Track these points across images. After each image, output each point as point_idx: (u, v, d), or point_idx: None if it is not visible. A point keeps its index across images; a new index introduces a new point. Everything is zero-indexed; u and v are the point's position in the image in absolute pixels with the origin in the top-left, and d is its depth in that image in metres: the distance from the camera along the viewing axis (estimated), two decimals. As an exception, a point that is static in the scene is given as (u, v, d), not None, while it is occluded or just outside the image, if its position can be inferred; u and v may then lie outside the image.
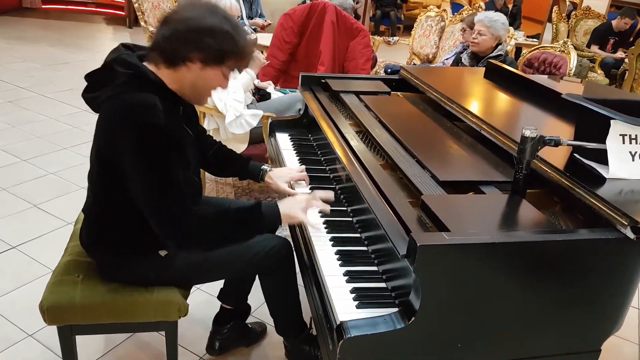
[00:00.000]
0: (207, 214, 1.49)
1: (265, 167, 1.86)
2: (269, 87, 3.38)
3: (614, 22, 6.52)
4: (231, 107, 2.78)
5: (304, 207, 1.55)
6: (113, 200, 1.49)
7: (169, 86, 1.45)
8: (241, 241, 1.56)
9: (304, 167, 1.94)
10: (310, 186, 1.86)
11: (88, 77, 1.46)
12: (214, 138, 1.94)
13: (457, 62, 3.62)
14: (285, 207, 1.54)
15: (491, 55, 3.26)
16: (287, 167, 1.96)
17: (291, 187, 1.84)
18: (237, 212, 1.55)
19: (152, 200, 1.39)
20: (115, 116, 1.37)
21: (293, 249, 1.69)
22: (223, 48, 1.40)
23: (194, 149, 1.63)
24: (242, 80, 2.89)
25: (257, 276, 1.81)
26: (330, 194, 1.61)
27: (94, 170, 1.50)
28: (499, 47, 3.30)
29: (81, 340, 1.71)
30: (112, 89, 1.38)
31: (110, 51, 1.49)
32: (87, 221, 1.61)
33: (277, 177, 1.84)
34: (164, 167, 1.38)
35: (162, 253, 1.59)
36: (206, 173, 3.34)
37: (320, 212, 1.62)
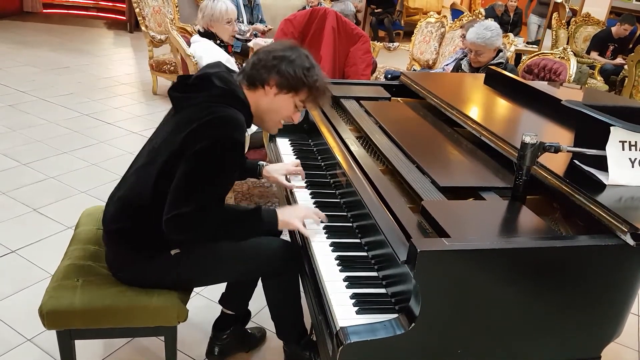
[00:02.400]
0: (212, 216, 1.53)
1: (261, 162, 1.96)
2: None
3: (613, 29, 6.54)
4: None
5: (301, 216, 1.61)
6: (155, 194, 1.52)
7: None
8: (238, 240, 1.62)
9: (299, 161, 2.00)
10: (311, 191, 1.87)
11: (181, 77, 1.61)
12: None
13: (457, 68, 3.62)
14: (283, 214, 1.61)
15: (492, 63, 3.26)
16: (283, 162, 2.05)
17: (287, 180, 1.93)
18: (238, 213, 1.64)
19: (181, 197, 1.46)
20: (205, 119, 1.47)
21: (297, 252, 1.68)
22: (298, 77, 1.55)
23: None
24: None
25: (260, 280, 1.81)
26: (323, 216, 1.65)
27: (154, 160, 1.54)
28: (500, 54, 3.30)
29: (80, 345, 1.71)
30: (207, 96, 1.52)
31: (209, 65, 1.66)
32: (120, 207, 1.61)
33: (273, 170, 1.93)
34: (217, 177, 1.50)
35: (173, 252, 1.60)
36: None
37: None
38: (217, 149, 1.46)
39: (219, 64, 1.65)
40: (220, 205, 1.58)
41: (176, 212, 1.45)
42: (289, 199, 1.92)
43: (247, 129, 1.59)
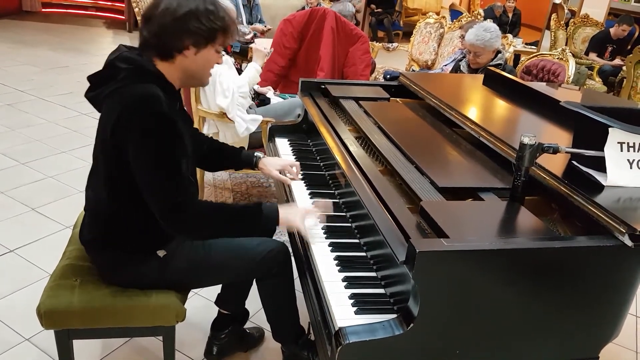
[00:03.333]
0: (209, 203, 1.53)
1: (258, 154, 1.93)
2: (269, 92, 3.39)
3: (612, 30, 6.55)
4: (238, 105, 2.77)
5: (302, 215, 1.57)
6: (116, 198, 1.51)
7: (168, 79, 1.49)
8: (238, 234, 1.60)
9: (298, 163, 1.98)
10: (309, 191, 1.87)
11: (91, 77, 1.50)
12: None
13: (456, 69, 3.62)
14: (285, 211, 1.57)
15: (491, 64, 3.27)
16: (280, 158, 2.04)
17: (283, 175, 1.91)
18: (238, 205, 1.61)
19: (158, 186, 1.43)
20: (121, 107, 1.41)
21: (291, 254, 1.69)
22: (210, 27, 1.44)
23: (191, 145, 1.64)
24: (249, 74, 2.88)
25: (255, 282, 1.81)
26: (329, 203, 1.62)
27: (99, 166, 1.52)
28: (499, 55, 3.30)
29: (78, 345, 1.71)
30: (114, 83, 1.43)
31: (112, 52, 1.54)
32: (90, 219, 1.61)
33: (270, 164, 1.91)
34: (170, 154, 1.42)
35: (161, 253, 1.59)
36: (205, 177, 3.36)
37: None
38: (147, 133, 1.39)
39: (119, 48, 1.54)
40: (196, 196, 1.55)
41: (166, 207, 1.42)
42: (286, 191, 1.94)
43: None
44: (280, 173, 1.91)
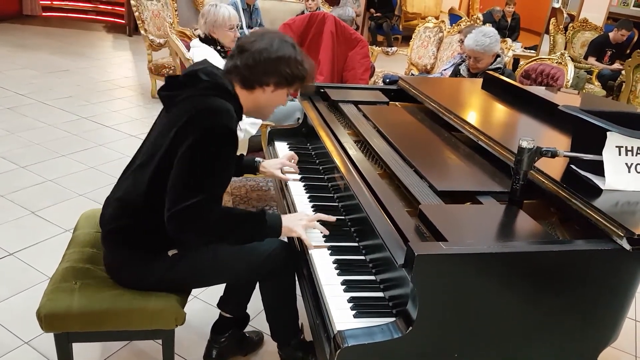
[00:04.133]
0: (218, 213, 1.53)
1: (258, 159, 2.00)
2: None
3: (611, 35, 6.57)
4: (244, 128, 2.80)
5: (304, 224, 1.60)
6: (154, 194, 1.52)
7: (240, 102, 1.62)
8: (239, 243, 1.62)
9: (292, 153, 2.05)
10: (308, 194, 1.87)
11: (169, 78, 1.62)
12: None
13: (456, 73, 3.63)
14: (287, 220, 1.61)
15: (490, 68, 3.28)
16: (278, 158, 2.11)
17: (283, 173, 1.99)
18: (243, 214, 1.64)
19: (185, 190, 1.46)
20: (194, 112, 1.49)
21: (294, 254, 1.69)
22: (294, 74, 1.61)
23: None
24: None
25: (257, 284, 1.82)
26: (332, 218, 1.65)
27: (150, 160, 1.55)
28: (498, 59, 3.32)
29: (78, 348, 1.71)
30: (194, 90, 1.54)
31: (195, 63, 1.68)
32: (117, 208, 1.62)
33: (270, 165, 1.98)
34: (217, 166, 1.49)
35: (171, 253, 1.61)
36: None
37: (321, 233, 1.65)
38: (210, 138, 1.47)
39: (204, 61, 1.66)
40: (219, 196, 1.57)
41: (177, 208, 1.44)
42: (283, 191, 1.95)
43: (241, 127, 1.60)
44: (282, 171, 1.98)
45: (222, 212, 1.55)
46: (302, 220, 1.60)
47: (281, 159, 2.04)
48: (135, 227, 1.59)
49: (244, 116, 1.66)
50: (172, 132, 1.50)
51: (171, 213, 1.45)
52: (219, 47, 3.12)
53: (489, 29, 3.39)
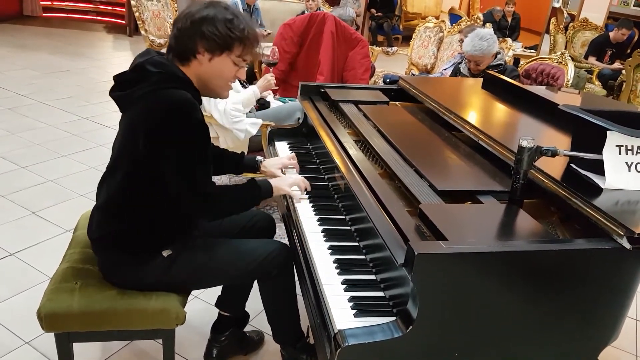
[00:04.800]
0: (221, 189, 1.70)
1: (259, 158, 2.00)
2: (269, 96, 3.39)
3: (611, 34, 6.57)
4: (231, 117, 2.79)
5: (290, 183, 1.78)
6: (129, 196, 1.55)
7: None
8: (244, 210, 1.77)
9: (294, 154, 2.07)
10: (308, 194, 1.87)
11: (117, 77, 1.54)
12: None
13: (456, 72, 3.63)
14: (275, 181, 1.77)
15: (491, 64, 3.28)
16: (279, 157, 2.11)
17: (283, 173, 2.00)
18: (238, 187, 1.73)
19: (194, 182, 1.52)
20: (160, 111, 1.45)
21: (292, 254, 1.69)
22: (225, 34, 1.48)
23: None
24: (244, 95, 2.89)
25: (256, 283, 1.81)
26: (308, 185, 1.83)
27: (118, 164, 1.56)
28: (498, 56, 3.32)
29: (78, 348, 1.71)
30: (147, 86, 1.46)
31: (139, 54, 1.58)
32: (100, 216, 1.62)
33: (270, 165, 1.98)
34: (205, 154, 1.54)
35: (166, 253, 1.61)
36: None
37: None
38: (191, 137, 1.48)
39: (148, 51, 1.58)
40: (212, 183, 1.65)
41: (199, 196, 1.54)
42: (285, 195, 1.93)
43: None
44: (282, 172, 1.98)
45: (222, 189, 1.65)
46: (288, 180, 1.79)
47: (281, 158, 2.04)
48: (121, 232, 1.59)
49: (244, 116, 1.67)
50: (139, 134, 1.46)
51: (190, 208, 1.57)
52: None
53: (485, 30, 3.39)
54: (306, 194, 1.81)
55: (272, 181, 1.74)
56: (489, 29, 3.57)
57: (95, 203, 1.68)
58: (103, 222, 1.61)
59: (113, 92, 1.55)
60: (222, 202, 1.63)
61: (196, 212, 1.62)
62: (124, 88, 1.52)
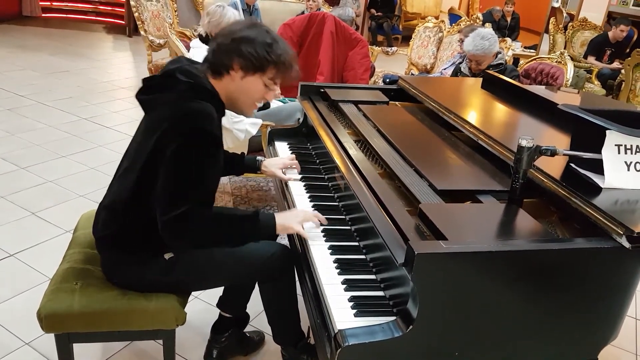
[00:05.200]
0: (210, 218, 1.53)
1: (259, 158, 2.00)
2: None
3: (610, 34, 6.58)
4: (229, 114, 2.79)
5: (300, 220, 1.60)
6: (139, 199, 1.53)
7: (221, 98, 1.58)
8: (235, 246, 1.61)
9: (294, 155, 2.07)
10: (309, 194, 1.87)
11: (146, 80, 1.57)
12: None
13: (457, 72, 3.64)
14: (281, 218, 1.61)
15: (491, 64, 3.29)
16: (279, 157, 2.10)
17: (284, 173, 1.99)
18: (235, 218, 1.61)
19: (173, 195, 1.45)
20: (175, 117, 1.47)
21: (293, 256, 1.69)
22: (261, 56, 1.52)
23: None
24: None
25: (256, 284, 1.82)
26: (324, 221, 1.64)
27: (133, 165, 1.55)
28: (499, 56, 3.32)
29: (78, 349, 1.71)
30: (173, 94, 1.50)
31: (171, 61, 1.63)
32: (107, 215, 1.62)
33: (271, 165, 1.98)
34: (199, 172, 1.47)
35: (167, 256, 1.61)
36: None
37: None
38: (192, 145, 1.46)
39: (179, 59, 1.62)
40: (211, 204, 1.58)
41: (168, 217, 1.44)
42: (284, 192, 1.95)
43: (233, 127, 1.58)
44: (283, 172, 1.98)
45: (213, 217, 1.54)
46: (298, 217, 1.61)
47: (282, 158, 2.04)
48: (127, 233, 1.58)
49: (239, 122, 1.66)
50: (153, 138, 1.47)
51: (162, 223, 1.46)
52: None
53: (486, 30, 3.40)
54: (321, 232, 1.62)
55: (278, 216, 1.60)
56: (489, 29, 3.57)
57: (101, 202, 1.67)
58: (109, 221, 1.61)
59: (139, 95, 1.57)
60: (208, 232, 1.51)
61: (167, 233, 1.47)
62: (151, 92, 1.55)
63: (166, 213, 1.45)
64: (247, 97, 1.60)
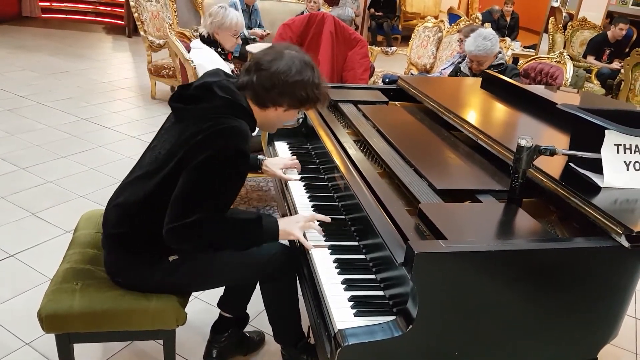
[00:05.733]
0: (217, 226, 1.53)
1: (260, 157, 2.00)
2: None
3: (609, 33, 6.58)
4: None
5: (301, 226, 1.61)
6: (156, 202, 1.53)
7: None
8: (238, 250, 1.62)
9: (294, 157, 2.08)
10: (309, 194, 1.88)
11: (182, 89, 1.62)
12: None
13: (457, 71, 3.64)
14: (284, 224, 1.61)
15: (492, 64, 3.29)
16: (280, 157, 2.12)
17: (284, 172, 2.00)
18: (239, 222, 1.60)
19: (188, 206, 1.46)
20: (211, 131, 1.48)
21: (294, 256, 1.69)
22: (309, 97, 1.60)
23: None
24: None
25: (257, 284, 1.82)
26: (327, 219, 1.65)
27: (156, 169, 1.55)
28: (499, 56, 3.32)
29: (79, 349, 1.71)
30: (211, 108, 1.53)
31: (208, 73, 1.66)
32: (120, 214, 1.61)
33: (272, 164, 1.99)
34: (221, 188, 1.49)
35: (171, 258, 1.61)
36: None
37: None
38: (221, 159, 1.47)
39: (218, 72, 1.65)
40: (223, 213, 1.57)
41: (178, 223, 1.45)
42: (284, 191, 1.96)
43: None
44: (283, 172, 1.99)
45: (219, 224, 1.54)
46: (299, 223, 1.61)
47: (282, 158, 2.05)
48: (136, 234, 1.59)
49: None
50: (185, 148, 1.49)
51: (169, 228, 1.46)
52: (219, 49, 3.13)
53: (488, 30, 3.39)
54: (323, 236, 1.62)
55: (281, 223, 1.61)
56: (490, 29, 3.57)
57: (112, 199, 1.67)
58: (122, 220, 1.61)
59: (174, 102, 1.60)
60: (213, 239, 1.54)
61: (171, 236, 1.49)
62: (185, 101, 1.57)
63: (173, 220, 1.46)
64: (280, 123, 1.71)
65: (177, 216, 1.46)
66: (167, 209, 1.48)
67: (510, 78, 2.67)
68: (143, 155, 1.67)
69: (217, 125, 1.49)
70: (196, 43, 3.19)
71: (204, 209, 1.47)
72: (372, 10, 9.27)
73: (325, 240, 1.60)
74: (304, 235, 1.59)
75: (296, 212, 1.76)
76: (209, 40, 3.12)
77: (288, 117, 1.68)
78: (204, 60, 3.06)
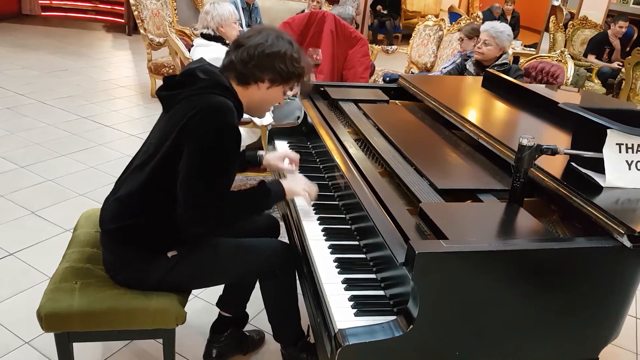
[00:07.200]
0: (229, 202, 1.58)
1: (260, 152, 2.01)
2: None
3: (609, 32, 6.58)
4: None
5: (303, 186, 1.71)
6: (152, 194, 1.55)
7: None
8: (253, 215, 1.75)
9: (294, 152, 2.05)
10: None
11: (167, 79, 1.63)
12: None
13: (462, 70, 3.63)
14: (287, 183, 1.70)
15: (496, 63, 3.29)
16: (278, 151, 2.13)
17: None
18: (247, 194, 1.65)
19: (197, 188, 1.49)
20: (196, 110, 1.49)
21: (293, 253, 1.69)
22: (289, 71, 1.59)
23: None
24: None
25: (256, 283, 1.81)
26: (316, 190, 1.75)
27: (150, 160, 1.56)
28: (503, 56, 3.33)
29: (78, 348, 1.71)
30: (193, 89, 1.54)
31: (192, 62, 1.69)
32: (117, 209, 1.61)
33: (272, 158, 2.00)
34: (223, 163, 1.52)
35: (170, 254, 1.60)
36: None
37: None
38: (216, 137, 1.48)
39: (201, 60, 1.66)
40: (229, 189, 1.61)
41: (196, 205, 1.48)
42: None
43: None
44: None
45: (231, 201, 1.58)
46: (301, 183, 1.71)
47: (282, 152, 2.04)
48: (134, 228, 1.59)
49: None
50: (175, 132, 1.49)
51: (184, 212, 1.48)
52: (226, 43, 3.12)
53: (506, 26, 3.46)
54: (321, 231, 1.67)
55: (285, 182, 1.70)
56: (509, 28, 3.62)
57: (110, 194, 1.67)
58: (117, 215, 1.61)
59: (160, 92, 1.61)
60: (227, 217, 1.58)
61: (189, 222, 1.52)
62: (171, 89, 1.58)
63: (187, 205, 1.48)
64: (267, 104, 1.69)
65: (187, 202, 1.48)
66: (178, 195, 1.49)
67: (515, 79, 2.67)
68: (138, 150, 1.68)
69: (201, 105, 1.49)
70: (200, 41, 3.18)
71: (210, 191, 1.49)
72: (378, 7, 9.26)
73: (326, 240, 1.59)
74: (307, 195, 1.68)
75: (296, 212, 1.76)
76: (216, 38, 3.12)
77: (274, 97, 1.65)
78: (220, 54, 3.05)
